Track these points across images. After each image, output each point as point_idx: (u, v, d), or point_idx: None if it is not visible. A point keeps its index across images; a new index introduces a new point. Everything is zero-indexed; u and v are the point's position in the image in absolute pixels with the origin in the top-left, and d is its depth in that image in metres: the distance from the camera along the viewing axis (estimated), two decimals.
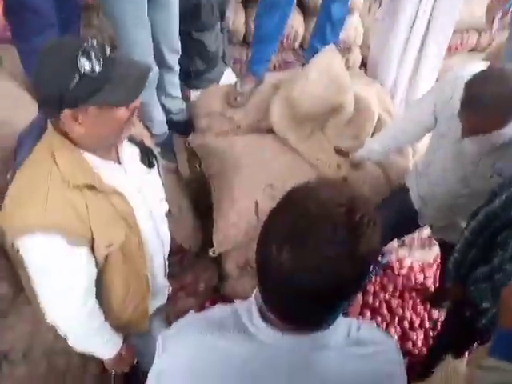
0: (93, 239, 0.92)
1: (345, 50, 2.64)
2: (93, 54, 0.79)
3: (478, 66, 1.40)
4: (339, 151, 1.78)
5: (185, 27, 1.83)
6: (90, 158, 0.91)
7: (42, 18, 1.43)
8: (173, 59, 1.79)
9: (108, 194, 0.93)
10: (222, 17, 2.16)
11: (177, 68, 1.84)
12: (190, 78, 2.05)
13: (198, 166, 1.84)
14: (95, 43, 0.80)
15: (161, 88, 1.84)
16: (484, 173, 1.46)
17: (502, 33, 2.28)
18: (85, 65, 0.78)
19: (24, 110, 1.32)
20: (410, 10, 1.93)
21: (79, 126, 0.84)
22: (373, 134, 1.87)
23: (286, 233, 0.55)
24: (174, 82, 1.88)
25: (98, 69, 0.79)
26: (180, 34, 1.78)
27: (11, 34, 1.54)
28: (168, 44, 1.72)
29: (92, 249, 0.94)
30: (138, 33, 1.52)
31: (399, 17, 1.96)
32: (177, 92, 1.93)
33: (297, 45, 2.58)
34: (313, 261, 0.53)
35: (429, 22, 1.95)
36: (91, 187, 0.89)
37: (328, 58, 1.79)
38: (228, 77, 2.23)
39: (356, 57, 2.72)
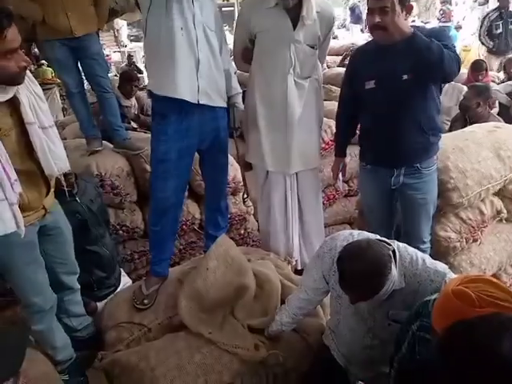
0: None
1: (241, 221, 2.93)
2: None
3: (346, 235, 1.64)
4: (253, 330, 1.82)
5: (77, 243, 1.86)
6: None
7: None
8: (71, 280, 1.79)
9: None
10: (107, 223, 2.29)
11: (77, 287, 1.84)
12: (92, 290, 2.05)
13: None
14: None
15: (62, 310, 1.79)
16: (383, 322, 1.59)
17: None
18: None
19: None
20: (279, 193, 2.28)
21: None
22: (282, 302, 1.97)
23: None
24: (75, 300, 1.85)
25: None
26: (74, 252, 1.80)
27: None
28: (65, 269, 1.75)
29: None
30: (31, 271, 1.54)
31: (273, 198, 2.29)
32: (80, 309, 1.89)
33: (196, 226, 2.80)
34: None
35: (299, 197, 2.31)
36: None
37: (223, 244, 1.96)
38: (125, 280, 2.30)
39: (252, 225, 3.02)
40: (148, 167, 2.51)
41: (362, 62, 2.00)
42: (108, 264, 2.17)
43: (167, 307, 1.88)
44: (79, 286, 1.85)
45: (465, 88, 3.61)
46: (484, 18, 5.48)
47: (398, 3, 1.71)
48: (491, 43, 5.31)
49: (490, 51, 5.39)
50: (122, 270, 2.39)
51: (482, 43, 5.43)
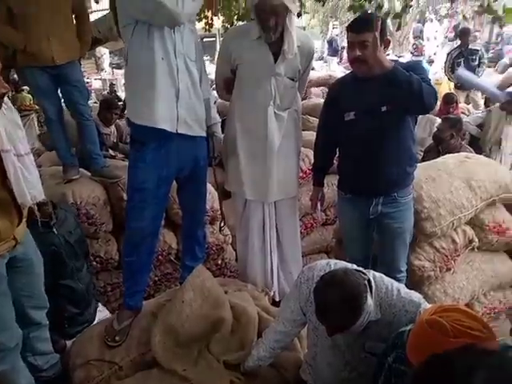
0: None
1: (219, 251, 2.89)
2: None
3: (323, 265, 1.64)
4: (229, 366, 1.77)
5: (50, 277, 1.81)
6: None
7: None
8: (40, 315, 1.72)
9: None
10: (86, 255, 2.23)
11: (45, 322, 1.76)
12: (63, 327, 1.97)
13: None
14: None
15: (27, 348, 1.69)
16: (360, 355, 1.57)
17: None
18: None
19: None
20: (258, 221, 2.29)
21: None
22: (259, 335, 1.93)
23: None
24: (43, 337, 1.76)
25: None
26: (45, 286, 1.75)
27: None
28: (33, 302, 1.67)
29: None
30: None
31: (251, 227, 2.30)
32: (48, 347, 1.80)
33: (173, 257, 2.75)
34: None
35: (277, 226, 2.32)
36: None
37: (200, 276, 1.93)
38: (101, 315, 2.23)
39: (230, 254, 2.98)
40: (125, 196, 2.47)
41: (341, 93, 2.05)
42: (82, 299, 2.10)
43: (140, 343, 1.82)
44: (47, 322, 1.77)
45: (437, 120, 3.75)
46: (447, 54, 5.80)
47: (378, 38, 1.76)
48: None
49: (455, 86, 5.67)
50: (99, 303, 2.31)
51: (448, 78, 5.71)
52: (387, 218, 2.04)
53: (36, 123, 6.29)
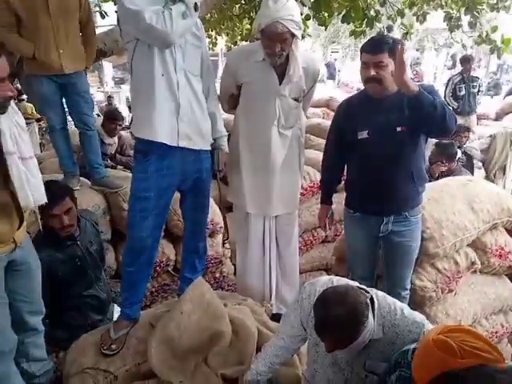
0: None
1: (217, 264, 2.87)
2: None
3: (325, 281, 1.63)
4: (227, 380, 1.73)
5: (75, 290, 1.91)
6: None
7: None
8: (36, 321, 1.68)
9: None
10: (103, 260, 2.25)
11: (41, 328, 1.72)
12: (86, 332, 1.96)
13: None
14: None
15: (21, 354, 1.65)
16: (360, 374, 1.54)
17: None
18: None
19: None
20: (258, 235, 2.28)
21: None
22: (258, 349, 1.89)
23: None
24: (38, 343, 1.72)
25: None
26: (71, 297, 1.91)
27: None
28: (30, 308, 1.64)
29: None
30: None
31: (251, 240, 2.29)
32: (42, 353, 1.75)
33: (171, 268, 2.72)
34: None
35: (277, 240, 2.30)
36: None
37: (199, 288, 1.90)
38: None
39: (228, 268, 2.95)
40: (125, 205, 2.46)
41: (353, 111, 2.02)
42: (103, 306, 2.13)
43: (136, 353, 1.77)
44: (43, 328, 1.73)
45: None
46: (448, 80, 5.91)
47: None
48: (456, 104, 5.70)
49: (455, 111, 5.75)
50: (115, 305, 2.29)
51: (448, 104, 5.80)
52: (398, 237, 2.03)
53: (37, 132, 6.32)
